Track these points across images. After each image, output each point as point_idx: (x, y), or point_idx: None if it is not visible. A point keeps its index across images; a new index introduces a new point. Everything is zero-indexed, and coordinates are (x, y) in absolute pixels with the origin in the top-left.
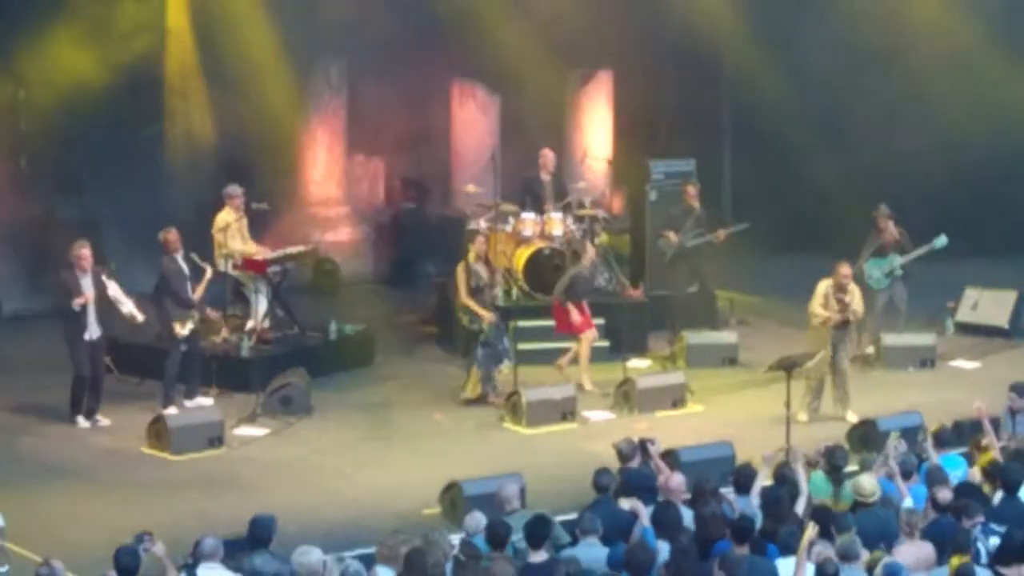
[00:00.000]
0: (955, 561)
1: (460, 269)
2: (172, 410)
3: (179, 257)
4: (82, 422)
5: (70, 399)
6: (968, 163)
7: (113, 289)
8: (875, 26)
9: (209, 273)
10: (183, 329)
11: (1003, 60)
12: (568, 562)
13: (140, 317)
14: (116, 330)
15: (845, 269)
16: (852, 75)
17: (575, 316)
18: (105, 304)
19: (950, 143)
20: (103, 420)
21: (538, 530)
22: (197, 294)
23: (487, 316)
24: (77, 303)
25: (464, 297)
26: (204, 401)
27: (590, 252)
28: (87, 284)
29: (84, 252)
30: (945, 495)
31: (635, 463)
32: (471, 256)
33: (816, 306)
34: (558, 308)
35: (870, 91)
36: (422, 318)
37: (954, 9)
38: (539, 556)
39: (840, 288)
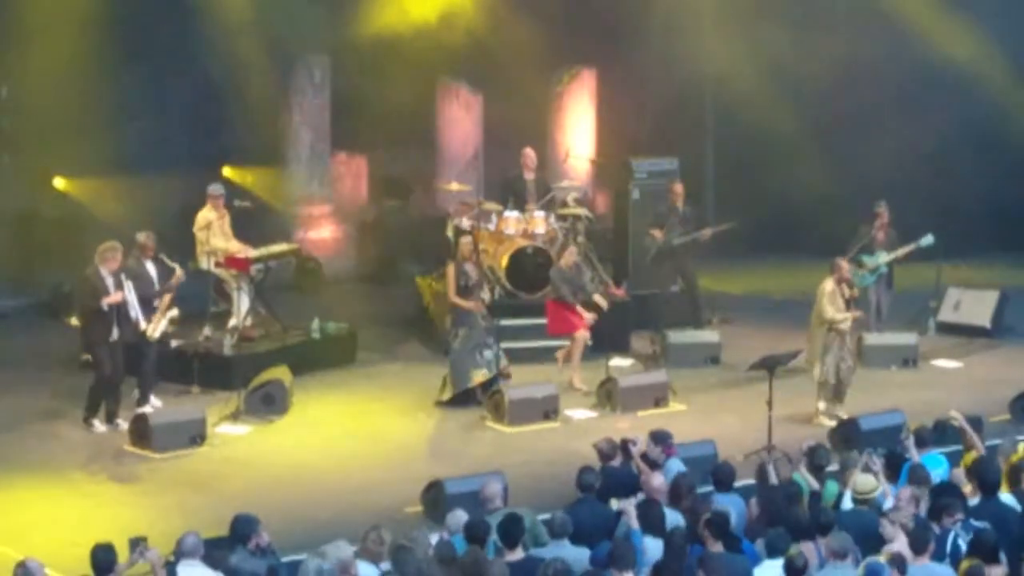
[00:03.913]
0: (965, 564)
1: (450, 269)
2: (148, 408)
3: (148, 262)
4: (99, 426)
5: (88, 402)
6: (952, 166)
7: (129, 293)
8: (861, 30)
9: (179, 274)
10: (155, 332)
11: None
12: (553, 563)
13: (144, 326)
14: None
15: (847, 264)
16: (837, 76)
17: (572, 314)
18: (124, 306)
19: (935, 146)
20: (123, 423)
21: (511, 529)
22: (166, 294)
23: (472, 305)
24: (107, 302)
25: (452, 296)
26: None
27: (571, 252)
28: (111, 284)
29: (117, 254)
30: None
31: (616, 462)
32: (459, 256)
33: (830, 309)
34: (551, 307)
35: (855, 92)
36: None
37: (945, 15)
38: (515, 555)
39: (844, 283)
